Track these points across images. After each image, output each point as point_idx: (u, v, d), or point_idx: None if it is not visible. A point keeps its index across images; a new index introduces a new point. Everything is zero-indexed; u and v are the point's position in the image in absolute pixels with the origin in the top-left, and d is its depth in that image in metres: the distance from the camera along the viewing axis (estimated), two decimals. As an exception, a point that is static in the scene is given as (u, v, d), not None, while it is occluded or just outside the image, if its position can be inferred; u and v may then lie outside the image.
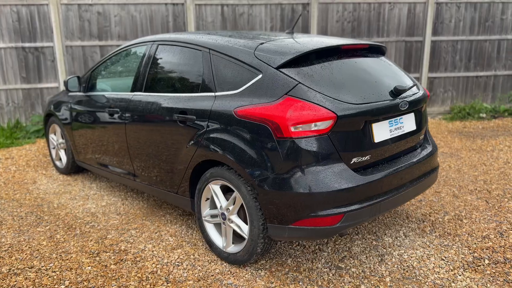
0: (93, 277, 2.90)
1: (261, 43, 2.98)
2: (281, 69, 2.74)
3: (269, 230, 2.74)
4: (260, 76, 2.79)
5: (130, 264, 3.07)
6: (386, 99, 2.84)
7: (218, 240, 3.14)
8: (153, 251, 3.25)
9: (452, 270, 2.95)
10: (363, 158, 2.76)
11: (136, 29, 7.03)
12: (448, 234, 3.46)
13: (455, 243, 3.32)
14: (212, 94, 3.02)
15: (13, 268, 3.03)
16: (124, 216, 3.88)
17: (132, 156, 3.76)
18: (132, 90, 3.75)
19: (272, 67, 2.76)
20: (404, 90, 2.95)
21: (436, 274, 2.91)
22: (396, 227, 3.59)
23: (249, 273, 2.93)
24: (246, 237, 2.87)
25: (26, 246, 3.35)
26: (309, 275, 2.91)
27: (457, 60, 7.92)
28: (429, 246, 3.27)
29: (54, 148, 5.18)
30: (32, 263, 3.09)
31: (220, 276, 2.91)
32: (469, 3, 7.72)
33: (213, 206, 3.19)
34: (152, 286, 2.80)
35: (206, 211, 3.19)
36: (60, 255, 3.21)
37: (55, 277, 2.92)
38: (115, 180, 4.23)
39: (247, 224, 2.89)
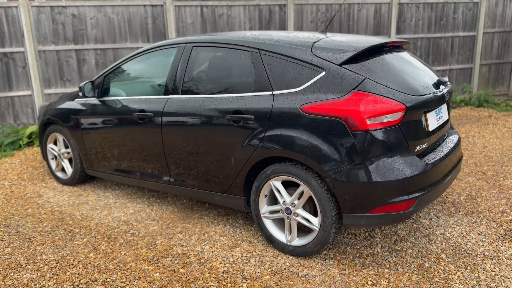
0: (168, 283, 2.86)
1: (315, 42, 3.11)
2: (343, 66, 2.89)
3: (345, 220, 2.88)
4: (323, 73, 2.91)
5: (198, 266, 3.05)
6: (435, 90, 3.09)
7: (279, 235, 3.22)
8: (212, 251, 3.25)
9: (493, 242, 3.29)
10: (422, 146, 3.00)
11: (114, 31, 6.79)
12: (471, 212, 3.82)
13: (482, 219, 3.68)
14: (269, 93, 3.10)
15: (76, 283, 2.88)
16: (160, 221, 3.81)
17: (169, 160, 3.70)
18: (166, 94, 3.69)
19: (335, 64, 2.90)
20: (445, 82, 3.24)
21: (481, 247, 3.23)
22: (425, 210, 3.88)
23: (319, 263, 3.05)
24: (316, 228, 2.98)
25: (74, 260, 3.19)
26: (375, 260, 3.09)
27: (418, 56, 8.56)
28: (462, 224, 3.60)
29: (53, 158, 4.89)
30: (93, 276, 2.96)
31: (293, 269, 2.99)
32: (426, 4, 8.38)
33: (271, 202, 3.27)
34: (232, 284, 2.83)
35: (264, 207, 3.25)
36: (118, 265, 3.10)
37: (126, 287, 2.83)
38: (139, 185, 4.12)
39: (315, 216, 3.01)
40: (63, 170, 4.83)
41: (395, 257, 3.12)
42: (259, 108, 3.10)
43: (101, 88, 4.20)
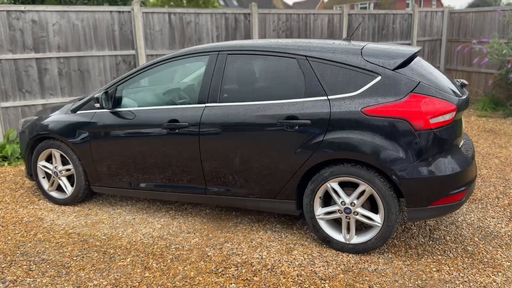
0: (251, 292, 2.82)
1: (362, 49, 3.31)
2: (397, 71, 3.12)
3: (409, 214, 3.10)
4: (379, 78, 3.12)
5: (269, 273, 3.05)
6: (464, 91, 3.46)
7: (335, 235, 3.33)
8: (272, 257, 3.26)
9: (508, 224, 3.75)
10: (461, 143, 3.34)
11: (79, 39, 6.34)
12: (474, 200, 4.28)
13: (486, 205, 4.16)
14: (324, 98, 3.21)
15: (155, 304, 2.71)
16: (197, 233, 3.70)
17: (206, 169, 3.62)
18: (200, 102, 3.61)
19: (389, 69, 3.12)
20: (466, 85, 3.63)
21: (502, 228, 3.67)
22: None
23: (380, 258, 3.23)
24: (378, 225, 3.16)
25: (132, 281, 2.99)
26: (425, 249, 3.35)
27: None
28: (474, 210, 4.03)
29: (44, 177, 4.45)
30: (166, 295, 2.81)
31: (360, 265, 3.13)
32: (371, 14, 9.10)
33: (325, 204, 3.37)
34: (314, 286, 2.88)
35: (318, 209, 3.35)
36: (186, 281, 2.97)
37: (210, 301, 2.74)
38: (165, 199, 3.96)
39: (376, 213, 3.19)
40: (58, 189, 4.41)
41: (440, 244, 3.41)
42: (315, 112, 3.19)
43: (114, 98, 3.95)
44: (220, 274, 3.06)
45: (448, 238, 3.52)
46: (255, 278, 2.99)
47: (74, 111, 4.18)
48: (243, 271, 3.08)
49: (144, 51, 6.80)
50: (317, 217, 3.35)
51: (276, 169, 3.38)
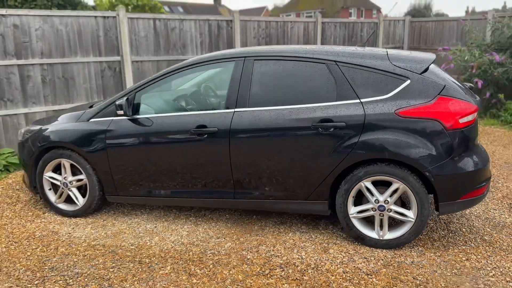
0: (307, 291, 2.89)
1: (387, 54, 3.51)
2: (423, 75, 3.35)
3: (441, 208, 3.32)
4: (408, 81, 3.33)
5: (316, 272, 3.13)
6: (474, 95, 3.76)
7: (368, 232, 3.49)
8: (312, 257, 3.35)
9: (510, 214, 4.09)
10: (478, 142, 3.62)
11: (63, 44, 6.09)
12: (472, 194, 4.62)
13: (485, 198, 4.50)
14: (357, 100, 3.37)
15: (218, 309, 2.71)
16: (227, 237, 3.70)
17: (236, 174, 3.64)
18: (228, 107, 3.63)
19: (417, 73, 3.34)
20: (473, 88, 3.95)
21: (507, 218, 4.00)
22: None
23: (412, 251, 3.42)
24: (412, 220, 3.34)
25: (183, 288, 2.95)
26: (448, 241, 3.59)
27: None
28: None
29: (50, 189, 4.24)
30: (225, 300, 2.81)
31: (398, 259, 3.30)
32: (341, 23, 9.48)
33: (357, 203, 3.51)
34: (365, 281, 3.00)
35: (351, 208, 3.48)
36: (237, 285, 2.99)
37: (271, 302, 2.78)
38: (188, 205, 3.93)
39: (408, 209, 3.38)
40: (67, 201, 4.22)
41: (459, 236, 3.67)
42: (350, 115, 3.34)
43: (133, 105, 3.87)
44: (268, 276, 3.10)
45: (464, 229, 3.79)
46: (304, 277, 3.06)
47: (86, 119, 4.03)
48: (290, 271, 3.14)
49: (130, 57, 6.65)
50: (350, 216, 3.48)
51: (310, 171, 3.48)
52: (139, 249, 3.56)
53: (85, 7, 14.91)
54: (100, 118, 3.98)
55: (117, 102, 3.78)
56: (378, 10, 53.73)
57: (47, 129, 4.15)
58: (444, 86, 3.31)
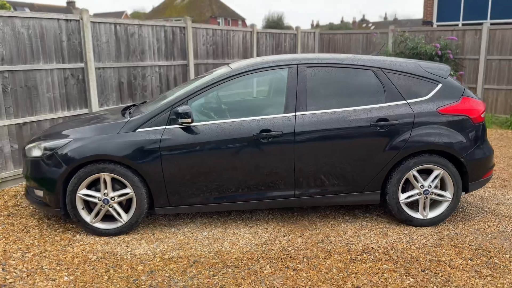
0: (406, 265, 3.33)
1: (418, 63, 4.16)
2: (448, 79, 4.09)
3: (470, 187, 4.07)
4: (440, 85, 4.03)
5: (397, 252, 3.59)
6: None
7: (414, 214, 4.07)
8: (381, 240, 3.79)
9: None
10: (479, 133, 4.51)
11: (25, 49, 5.40)
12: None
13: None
14: (404, 102, 3.95)
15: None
16: (291, 234, 3.91)
17: (299, 174, 3.89)
18: (288, 111, 3.87)
19: (444, 78, 4.07)
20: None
21: None
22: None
23: (448, 226, 4.11)
24: (449, 199, 4.04)
25: (297, 282, 3.13)
26: (469, 215, 4.39)
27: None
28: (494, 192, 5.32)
29: (83, 208, 3.87)
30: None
31: (445, 233, 3.95)
32: (270, 33, 10.10)
33: (404, 189, 4.07)
34: (439, 253, 3.56)
35: (401, 195, 4.03)
36: (344, 272, 3.27)
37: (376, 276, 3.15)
38: (246, 208, 4.02)
39: (445, 191, 4.06)
40: (106, 218, 3.90)
41: (474, 208, 4.50)
42: (402, 114, 3.89)
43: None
44: (362, 261, 3.44)
45: (479, 205, 4.63)
46: (393, 257, 3.49)
47: (132, 129, 3.81)
48: (376, 255, 3.54)
49: (94, 64, 6.19)
50: (400, 202, 4.03)
51: (367, 166, 3.92)
52: (220, 255, 3.55)
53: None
54: (150, 127, 3.81)
55: (179, 110, 3.68)
56: (243, 21, 56.48)
57: (82, 142, 3.78)
58: (464, 88, 4.08)
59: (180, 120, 3.71)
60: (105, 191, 3.83)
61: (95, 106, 6.25)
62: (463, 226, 4.10)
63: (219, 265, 3.38)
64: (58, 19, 5.73)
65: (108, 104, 6.51)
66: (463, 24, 16.69)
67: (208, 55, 8.33)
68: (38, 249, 3.65)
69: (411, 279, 3.17)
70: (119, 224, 3.89)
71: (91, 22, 6.10)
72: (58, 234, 3.93)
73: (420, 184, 4.00)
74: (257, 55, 9.66)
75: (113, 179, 3.83)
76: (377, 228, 4.05)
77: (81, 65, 6.06)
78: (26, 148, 4.12)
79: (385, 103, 3.95)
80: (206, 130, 3.81)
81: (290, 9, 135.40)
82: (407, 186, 4.08)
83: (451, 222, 4.18)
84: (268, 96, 4.10)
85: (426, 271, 3.28)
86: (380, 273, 3.26)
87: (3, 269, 3.31)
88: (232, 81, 3.96)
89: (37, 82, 5.56)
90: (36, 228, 4.05)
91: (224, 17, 52.21)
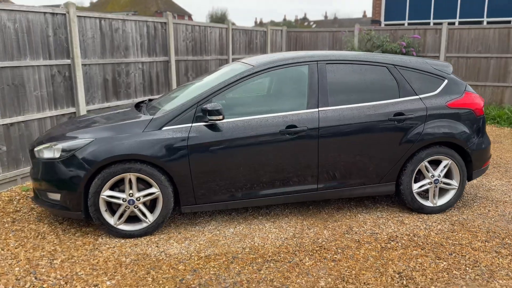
0: (435, 249, 3.55)
1: (425, 60, 4.41)
2: (452, 75, 4.39)
3: (473, 175, 4.39)
4: (446, 81, 4.31)
5: (419, 238, 3.81)
6: None
7: (424, 202, 4.33)
8: (401, 228, 4.00)
9: None
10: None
11: (11, 44, 5.06)
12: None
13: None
14: (416, 97, 4.18)
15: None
16: (315, 227, 4.02)
17: (321, 168, 4.00)
18: (310, 107, 3.96)
19: (449, 74, 4.36)
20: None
21: None
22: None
23: (454, 212, 4.41)
24: (455, 187, 4.33)
25: (344, 272, 3.25)
26: (470, 201, 4.73)
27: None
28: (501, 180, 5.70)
29: (106, 210, 3.73)
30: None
31: (454, 218, 4.24)
32: (243, 30, 10.13)
33: (416, 180, 4.31)
34: (457, 237, 3.83)
35: (413, 185, 4.27)
36: (380, 260, 3.44)
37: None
38: (269, 203, 4.07)
39: (451, 179, 4.36)
40: (126, 221, 3.79)
41: (470, 194, 4.85)
42: (416, 108, 4.12)
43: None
44: (392, 248, 3.62)
45: (472, 192, 4.98)
46: (419, 243, 3.71)
47: (158, 127, 3.73)
48: (403, 241, 3.74)
49: (81, 60, 5.91)
50: (414, 191, 4.26)
51: (385, 158, 4.12)
52: (256, 250, 3.58)
53: None
54: (177, 125, 3.75)
55: (209, 107, 3.66)
56: (189, 16, 55.76)
57: (106, 141, 3.64)
58: (466, 84, 4.40)
59: (209, 118, 3.68)
60: (130, 192, 3.71)
61: (82, 105, 5.97)
62: (467, 211, 4.42)
63: (259, 260, 3.42)
64: (45, 13, 5.42)
65: (94, 102, 6.25)
66: (408, 24, 17.66)
67: (188, 51, 8.21)
68: (63, 255, 3.48)
69: (444, 262, 3.39)
70: (144, 225, 3.80)
71: (77, 16, 5.82)
72: (78, 239, 3.76)
73: (430, 174, 4.26)
74: (232, 53, 9.66)
75: (137, 179, 3.73)
76: (393, 217, 4.26)
77: (68, 61, 5.77)
78: (35, 150, 3.90)
79: (399, 98, 4.16)
80: (233, 127, 3.81)
81: (233, 6, 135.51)
82: (419, 176, 4.32)
83: (456, 209, 4.49)
84: (288, 92, 4.15)
85: (453, 254, 3.52)
86: (413, 258, 3.45)
87: (36, 278, 3.13)
88: (255, 77, 3.99)
89: (24, 80, 5.23)
90: (52, 233, 3.85)
91: (171, 12, 51.27)
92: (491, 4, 16.13)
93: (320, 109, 3.98)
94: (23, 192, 4.91)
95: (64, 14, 5.67)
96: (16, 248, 3.57)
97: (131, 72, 6.89)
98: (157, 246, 3.64)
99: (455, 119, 4.23)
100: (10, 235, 3.81)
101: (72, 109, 5.88)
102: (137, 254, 3.50)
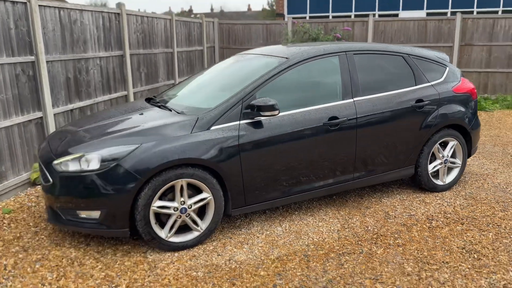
0: (467, 227, 3.88)
1: (429, 50, 4.74)
2: (449, 63, 4.79)
3: (472, 152, 4.86)
4: (448, 69, 4.70)
5: (447, 217, 4.11)
6: None
7: (436, 181, 4.68)
8: (426, 209, 4.27)
9: None
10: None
11: (-28, 39, 4.20)
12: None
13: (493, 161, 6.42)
14: (429, 84, 4.48)
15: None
16: (356, 217, 4.10)
17: (358, 157, 4.09)
18: (345, 98, 4.01)
19: (448, 62, 4.76)
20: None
21: None
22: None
23: (458, 189, 4.84)
24: (460, 165, 4.76)
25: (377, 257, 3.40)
26: (467, 182, 5.21)
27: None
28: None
29: (156, 223, 3.35)
30: None
31: (461, 193, 4.66)
32: (183, 22, 9.70)
33: (430, 161, 4.62)
34: (472, 213, 4.22)
35: (429, 166, 4.58)
36: (435, 238, 3.65)
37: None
38: (310, 197, 4.04)
39: (455, 158, 4.78)
40: (179, 231, 3.45)
41: (468, 175, 5.34)
42: (431, 94, 4.42)
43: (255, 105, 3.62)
44: (438, 227, 3.86)
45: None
46: (455, 219, 4.01)
47: (205, 127, 3.44)
48: (442, 220, 4.00)
49: (45, 57, 5.14)
50: (429, 172, 4.58)
51: (410, 142, 4.35)
52: (321, 245, 3.54)
53: None
54: (224, 123, 3.50)
55: (256, 104, 3.48)
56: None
57: (155, 146, 3.25)
58: (461, 71, 4.83)
59: (262, 113, 3.49)
60: (182, 200, 3.38)
61: (49, 109, 5.20)
62: (468, 186, 4.88)
63: (332, 255, 3.38)
64: (5, 1, 4.58)
65: (58, 105, 5.48)
66: (310, 17, 18.61)
67: (138, 44, 7.62)
68: (123, 279, 3.04)
69: (490, 233, 3.73)
70: (196, 234, 3.49)
71: (39, 5, 5.03)
72: (120, 259, 3.31)
73: (441, 155, 4.61)
74: (176, 45, 9.21)
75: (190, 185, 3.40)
76: (413, 198, 4.53)
77: (32, 58, 4.97)
78: (55, 163, 3.33)
79: (416, 85, 4.41)
80: (280, 122, 3.68)
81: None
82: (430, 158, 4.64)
83: (458, 185, 4.92)
84: (323, 84, 4.11)
85: (490, 225, 3.88)
86: (462, 233, 3.73)
87: (114, 310, 2.69)
88: (291, 70, 3.88)
89: (-12, 81, 4.38)
90: (87, 257, 3.32)
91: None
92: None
93: (355, 99, 4.04)
94: (6, 215, 4.14)
95: (25, 3, 4.85)
96: (59, 281, 3.02)
97: (90, 68, 6.17)
98: (219, 255, 3.38)
99: (459, 103, 4.62)
100: (37, 266, 3.21)
101: (38, 114, 5.08)
102: (205, 266, 3.21)
